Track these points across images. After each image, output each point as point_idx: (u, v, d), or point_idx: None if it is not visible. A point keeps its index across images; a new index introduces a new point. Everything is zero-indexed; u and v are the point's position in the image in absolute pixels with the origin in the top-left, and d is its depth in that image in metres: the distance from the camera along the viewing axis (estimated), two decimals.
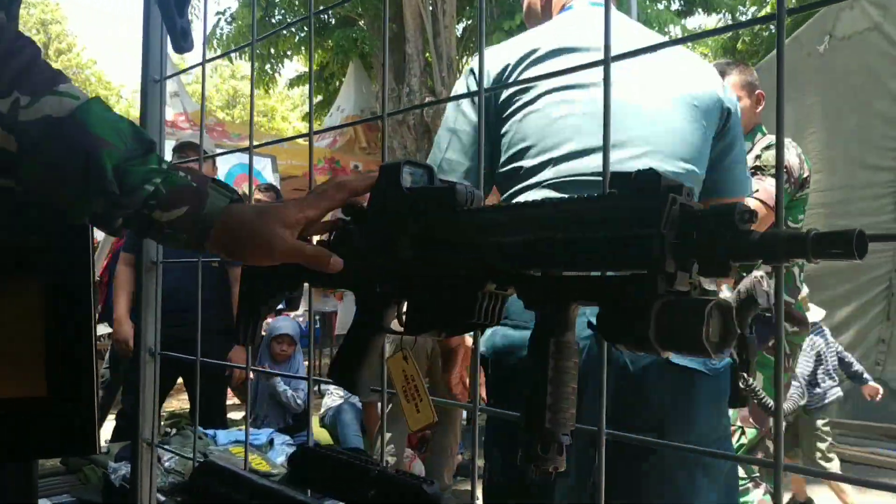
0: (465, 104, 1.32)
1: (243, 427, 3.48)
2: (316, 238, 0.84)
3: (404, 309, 0.72)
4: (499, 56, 1.32)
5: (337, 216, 0.81)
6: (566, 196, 0.59)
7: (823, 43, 4.50)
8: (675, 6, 11.15)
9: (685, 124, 1.29)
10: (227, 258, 0.77)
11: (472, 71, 1.32)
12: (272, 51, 10.06)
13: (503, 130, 1.29)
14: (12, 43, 0.74)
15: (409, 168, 0.74)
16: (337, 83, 11.38)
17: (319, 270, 0.73)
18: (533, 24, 1.50)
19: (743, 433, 2.50)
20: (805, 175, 2.46)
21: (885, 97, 4.36)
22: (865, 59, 4.40)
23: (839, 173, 4.40)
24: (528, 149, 1.26)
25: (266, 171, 6.51)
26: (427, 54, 8.93)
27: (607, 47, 0.72)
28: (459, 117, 1.33)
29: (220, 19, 10.71)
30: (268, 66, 10.34)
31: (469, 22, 10.23)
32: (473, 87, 1.29)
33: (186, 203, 0.74)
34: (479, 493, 1.27)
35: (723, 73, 2.51)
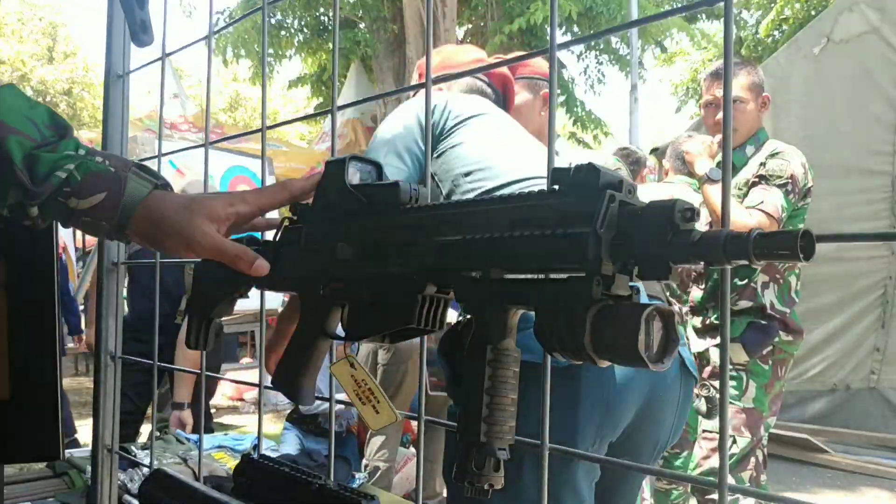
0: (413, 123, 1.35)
1: (228, 432, 3.44)
2: (270, 234, 0.80)
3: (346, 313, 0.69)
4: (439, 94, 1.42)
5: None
6: (508, 193, 0.55)
7: (819, 45, 4.46)
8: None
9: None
10: (149, 248, 0.75)
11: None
12: (271, 50, 10.04)
13: (441, 151, 1.33)
14: None
15: (356, 164, 0.70)
16: (341, 82, 11.36)
17: (242, 272, 0.70)
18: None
19: (734, 442, 2.43)
20: (809, 185, 2.40)
21: (881, 101, 4.32)
22: (863, 63, 4.35)
23: (834, 178, 4.35)
24: (469, 173, 1.29)
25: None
26: None
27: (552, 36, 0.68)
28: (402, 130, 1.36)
29: (219, 19, 10.69)
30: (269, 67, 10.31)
31: (470, 25, 10.22)
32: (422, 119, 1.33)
33: (103, 189, 0.71)
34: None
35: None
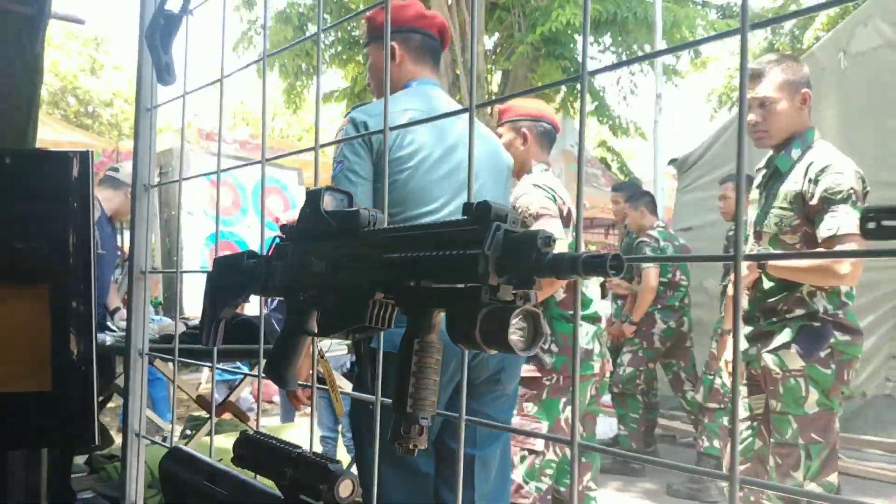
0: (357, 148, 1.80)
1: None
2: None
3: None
4: (380, 112, 1.77)
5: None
6: (432, 221, 0.71)
7: (839, 59, 4.54)
8: (712, 15, 11.13)
9: (499, 188, 2.01)
10: None
11: (353, 120, 1.82)
12: (303, 66, 10.28)
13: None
14: None
15: (330, 194, 0.87)
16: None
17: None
18: (380, 92, 2.01)
19: (808, 455, 2.28)
20: (867, 190, 2.28)
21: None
22: (879, 76, 4.42)
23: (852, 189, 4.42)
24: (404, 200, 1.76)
25: (291, 184, 6.70)
26: (457, 69, 9.07)
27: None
28: (354, 157, 1.79)
29: (250, 27, 10.98)
30: (298, 83, 10.56)
31: (498, 35, 10.38)
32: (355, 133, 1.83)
33: None
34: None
35: (760, 74, 2.33)
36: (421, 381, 0.69)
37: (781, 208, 2.31)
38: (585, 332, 2.56)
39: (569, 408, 2.54)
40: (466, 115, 0.83)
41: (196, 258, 6.07)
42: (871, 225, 0.47)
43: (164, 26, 1.25)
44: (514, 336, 0.60)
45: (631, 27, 9.05)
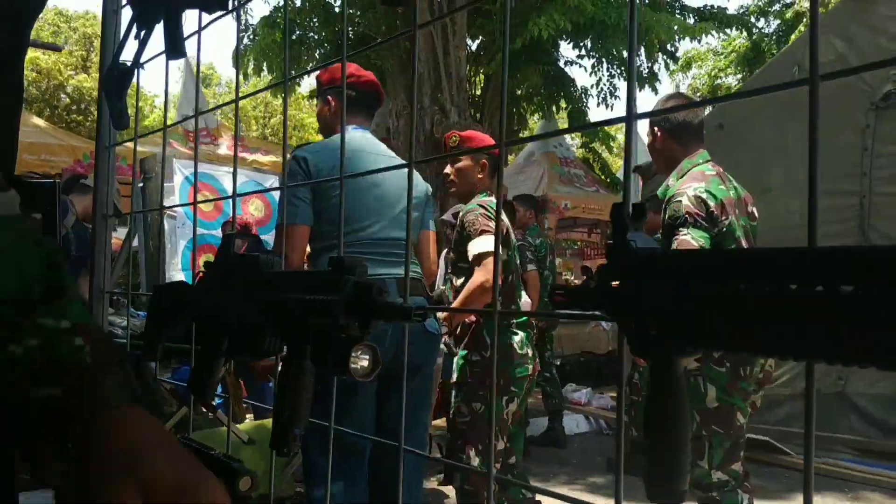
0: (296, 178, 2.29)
1: None
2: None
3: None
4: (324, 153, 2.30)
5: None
6: (306, 270, 0.88)
7: (794, 73, 4.72)
8: (690, 20, 11.32)
9: (418, 211, 2.61)
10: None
11: (295, 156, 2.29)
12: (294, 71, 10.44)
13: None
14: None
15: (241, 238, 1.04)
16: None
17: None
18: (326, 133, 2.63)
19: (711, 445, 2.50)
20: (712, 209, 2.41)
21: (850, 126, 4.58)
22: (832, 90, 4.61)
23: (807, 198, 4.61)
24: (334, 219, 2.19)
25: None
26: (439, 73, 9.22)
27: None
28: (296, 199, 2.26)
29: (243, 36, 11.14)
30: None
31: (480, 40, 10.55)
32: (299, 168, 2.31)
33: (61, 384, 0.59)
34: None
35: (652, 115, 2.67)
36: (296, 399, 0.86)
37: (661, 235, 2.59)
38: (520, 338, 2.75)
39: (511, 404, 2.74)
40: (387, 159, 1.00)
41: (180, 261, 6.24)
42: (559, 297, 0.64)
43: (118, 77, 1.42)
44: (355, 365, 0.78)
45: (610, 32, 9.24)
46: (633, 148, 0.72)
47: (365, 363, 0.79)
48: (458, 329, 2.80)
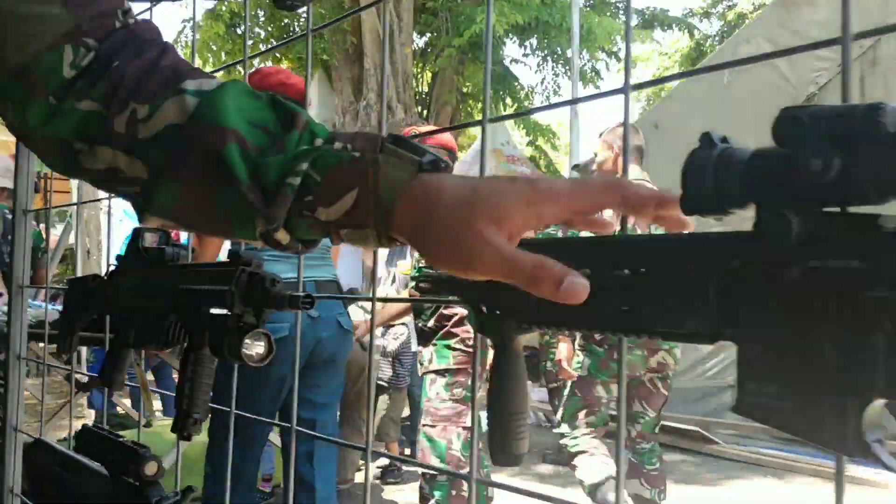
0: None
1: None
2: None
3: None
4: None
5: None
6: (206, 262, 0.92)
7: (724, 75, 4.88)
8: (632, 22, 11.56)
9: None
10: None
11: None
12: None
13: None
14: (132, 43, 0.62)
15: (150, 233, 1.07)
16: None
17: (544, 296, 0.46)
18: None
19: (568, 398, 3.24)
20: None
21: None
22: (760, 92, 4.79)
23: None
24: None
25: None
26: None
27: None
28: None
29: (185, 27, 10.98)
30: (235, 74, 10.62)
31: (428, 35, 10.61)
32: None
33: (353, 185, 0.53)
34: None
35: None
36: (196, 385, 0.90)
37: None
38: None
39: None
40: None
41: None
42: (425, 284, 0.69)
43: None
44: (248, 351, 0.82)
45: (554, 33, 9.38)
46: (628, 120, 0.71)
47: (260, 350, 0.83)
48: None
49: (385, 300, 2.69)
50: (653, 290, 0.46)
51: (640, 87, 0.70)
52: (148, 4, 1.14)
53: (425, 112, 10.13)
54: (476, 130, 14.88)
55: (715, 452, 4.60)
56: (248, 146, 0.56)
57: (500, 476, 4.34)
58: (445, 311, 2.77)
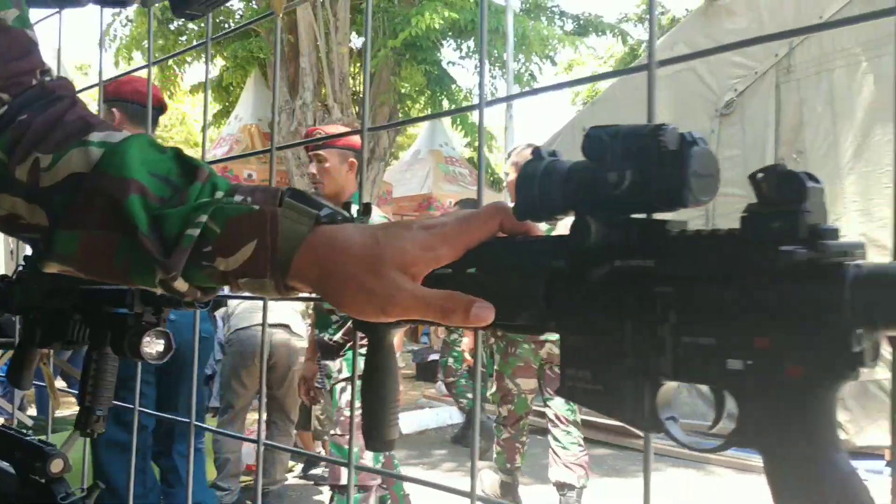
0: None
1: None
2: None
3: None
4: None
5: None
6: None
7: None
8: (568, 26, 11.78)
9: None
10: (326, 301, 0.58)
11: None
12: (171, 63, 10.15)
13: None
14: (43, 98, 0.63)
15: None
16: (239, 91, 11.55)
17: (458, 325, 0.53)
18: None
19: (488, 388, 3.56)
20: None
21: (696, 131, 4.92)
22: (681, 95, 4.96)
23: None
24: None
25: None
26: (321, 70, 9.20)
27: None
28: None
29: (115, 20, 10.71)
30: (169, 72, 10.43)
31: (361, 37, 10.59)
32: None
33: (251, 237, 0.55)
34: None
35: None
36: (99, 382, 0.92)
37: None
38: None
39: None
40: None
41: None
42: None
43: None
44: (147, 349, 0.85)
45: (490, 36, 9.48)
46: (654, 96, 0.72)
47: (160, 348, 0.87)
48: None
49: (276, 299, 2.69)
50: (493, 287, 0.51)
51: (666, 63, 0.72)
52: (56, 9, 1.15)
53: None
54: (415, 129, 14.93)
55: (637, 446, 4.74)
56: (149, 196, 0.57)
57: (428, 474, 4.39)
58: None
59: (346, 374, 2.75)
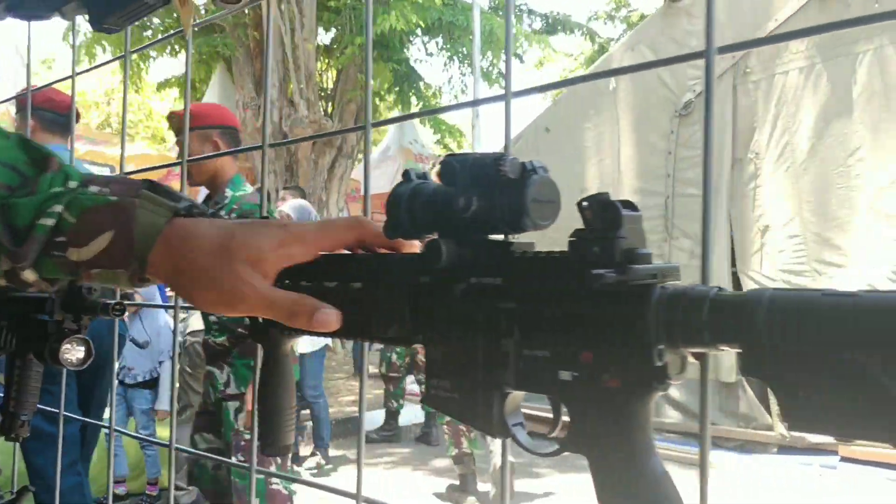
0: None
1: None
2: None
3: None
4: None
5: None
6: None
7: (609, 81, 5.11)
8: (537, 25, 11.86)
9: None
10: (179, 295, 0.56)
11: None
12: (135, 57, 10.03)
13: None
14: None
15: None
16: (205, 88, 11.45)
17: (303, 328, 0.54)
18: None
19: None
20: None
21: (657, 131, 5.01)
22: (643, 96, 5.03)
23: (622, 196, 5.02)
24: None
25: None
26: (287, 64, 9.15)
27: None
28: None
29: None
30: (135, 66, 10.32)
31: (333, 33, 10.55)
32: None
33: (108, 227, 0.54)
34: None
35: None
36: (21, 388, 0.94)
37: None
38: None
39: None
40: None
41: None
42: None
43: None
44: (67, 356, 0.87)
45: (459, 33, 9.52)
46: (712, 85, 0.70)
47: (81, 354, 0.89)
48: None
49: (186, 308, 2.45)
50: (367, 301, 0.54)
51: (726, 50, 0.67)
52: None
53: (330, 108, 10.11)
54: (385, 127, 14.91)
55: None
56: None
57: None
58: (240, 328, 2.38)
59: (234, 388, 2.47)
